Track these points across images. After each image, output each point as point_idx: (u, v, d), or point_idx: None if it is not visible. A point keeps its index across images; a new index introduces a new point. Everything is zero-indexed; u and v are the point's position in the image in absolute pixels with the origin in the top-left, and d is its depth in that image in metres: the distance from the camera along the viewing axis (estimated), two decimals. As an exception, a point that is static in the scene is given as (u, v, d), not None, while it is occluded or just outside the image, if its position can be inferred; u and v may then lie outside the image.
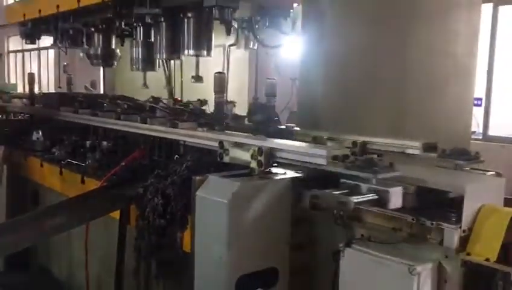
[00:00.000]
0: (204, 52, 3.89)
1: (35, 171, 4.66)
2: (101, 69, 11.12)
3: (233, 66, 7.46)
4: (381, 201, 2.18)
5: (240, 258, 2.54)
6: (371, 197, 2.20)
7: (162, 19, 3.92)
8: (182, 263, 2.87)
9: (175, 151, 3.61)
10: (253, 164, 2.63)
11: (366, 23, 3.99)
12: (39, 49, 18.44)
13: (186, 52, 3.90)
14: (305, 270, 2.77)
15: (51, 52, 16.82)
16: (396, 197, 2.19)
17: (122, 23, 4.34)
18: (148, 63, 4.37)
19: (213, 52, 4.24)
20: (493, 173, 2.73)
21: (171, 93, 6.06)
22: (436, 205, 2.26)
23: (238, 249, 2.53)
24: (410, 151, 3.05)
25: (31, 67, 18.96)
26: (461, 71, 4.18)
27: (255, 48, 5.39)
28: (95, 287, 3.99)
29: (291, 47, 7.01)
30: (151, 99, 4.41)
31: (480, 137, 8.19)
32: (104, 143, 4.30)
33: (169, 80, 5.83)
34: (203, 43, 3.84)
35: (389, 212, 2.34)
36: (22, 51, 20.39)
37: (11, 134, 5.18)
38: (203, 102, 4.59)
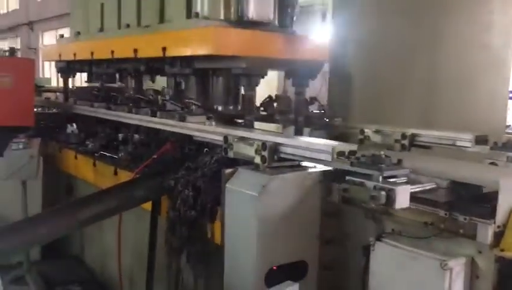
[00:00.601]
0: (231, 107, 3.89)
1: (70, 163, 4.77)
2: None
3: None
4: (389, 200, 2.04)
5: (269, 250, 2.56)
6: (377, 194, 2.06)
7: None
8: (212, 255, 2.91)
9: (207, 143, 3.64)
10: (257, 159, 2.61)
11: (398, 14, 3.93)
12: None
13: (215, 107, 3.92)
14: (335, 265, 2.77)
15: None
16: (403, 196, 2.05)
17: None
18: None
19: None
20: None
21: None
22: (469, 200, 2.23)
23: (268, 241, 2.55)
24: (460, 143, 2.98)
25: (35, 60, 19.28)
26: (495, 63, 4.08)
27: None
28: (127, 277, 4.08)
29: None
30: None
31: (515, 131, 7.97)
32: (136, 136, 4.37)
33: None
34: (230, 99, 3.83)
35: (421, 207, 2.32)
36: (56, 45, 20.82)
37: (47, 127, 5.30)
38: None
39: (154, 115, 3.80)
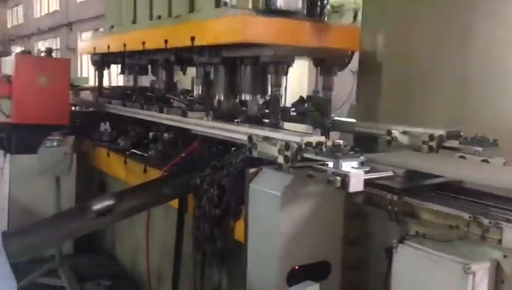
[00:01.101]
0: (259, 96, 3.90)
1: (102, 160, 4.90)
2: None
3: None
4: (343, 184, 2.28)
5: (291, 250, 2.57)
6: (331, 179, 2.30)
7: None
8: (236, 253, 2.94)
9: (233, 143, 3.68)
10: (280, 159, 2.62)
11: (429, 15, 3.88)
12: (109, 44, 19.27)
13: (243, 96, 3.95)
14: (358, 265, 2.75)
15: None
16: (356, 180, 2.27)
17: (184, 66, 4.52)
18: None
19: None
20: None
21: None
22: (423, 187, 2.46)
23: (290, 241, 2.56)
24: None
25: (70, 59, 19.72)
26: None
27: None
28: (155, 272, 4.16)
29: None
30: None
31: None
32: (166, 135, 4.46)
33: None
34: (257, 88, 3.85)
35: (445, 209, 2.29)
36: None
37: (81, 125, 5.46)
38: None
39: (184, 114, 3.86)
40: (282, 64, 3.34)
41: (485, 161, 2.73)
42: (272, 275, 2.58)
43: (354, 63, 6.31)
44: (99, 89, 5.97)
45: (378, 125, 3.53)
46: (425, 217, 2.42)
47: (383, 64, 3.91)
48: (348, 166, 2.34)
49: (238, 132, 3.18)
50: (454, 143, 3.01)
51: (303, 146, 2.54)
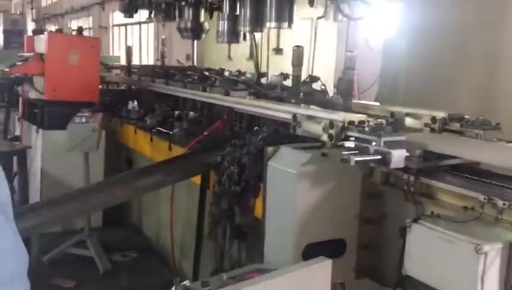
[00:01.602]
0: (285, 24, 3.95)
1: (130, 137, 5.04)
2: (194, 42, 11.58)
3: (322, 40, 7.40)
4: (385, 161, 2.33)
5: (307, 227, 2.62)
6: (373, 157, 2.35)
7: None
8: (255, 228, 3.02)
9: (255, 122, 3.74)
10: (324, 137, 2.68)
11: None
12: (140, 23, 19.42)
13: (268, 24, 3.99)
14: (374, 244, 2.79)
15: (151, 26, 17.65)
16: (398, 158, 2.32)
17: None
18: (233, 36, 4.52)
19: (301, 25, 4.28)
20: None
21: (256, 66, 6.20)
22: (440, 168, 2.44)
23: (307, 218, 2.61)
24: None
25: (132, 41, 20.03)
26: None
27: (344, 20, 5.30)
28: (178, 246, 4.29)
29: (382, 19, 6.82)
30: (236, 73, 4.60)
31: None
32: (191, 113, 4.55)
33: (255, 53, 5.95)
34: (284, 15, 3.90)
35: (461, 191, 2.30)
36: (125, 24, 21.60)
37: (110, 102, 5.60)
38: (286, 76, 4.68)
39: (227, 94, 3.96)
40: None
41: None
42: (288, 250, 2.64)
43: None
44: (128, 68, 6.10)
45: (382, 107, 3.52)
46: (440, 198, 2.44)
47: (409, 46, 3.87)
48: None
49: (281, 111, 3.22)
50: (456, 126, 3.01)
51: (346, 125, 2.60)
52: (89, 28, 22.46)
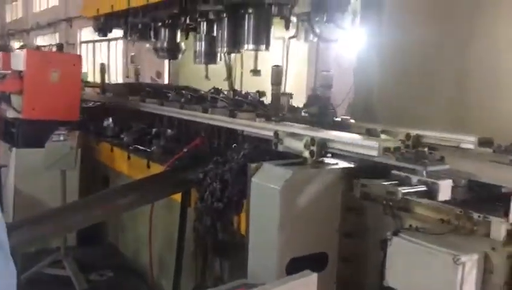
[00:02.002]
0: (263, 47, 4.05)
1: (106, 155, 5.01)
2: (166, 60, 11.58)
3: (293, 59, 7.56)
4: (431, 193, 2.26)
5: (290, 242, 2.68)
6: (419, 189, 2.30)
7: (224, 15, 4.11)
8: (237, 244, 3.06)
9: (233, 139, 3.81)
10: (306, 154, 2.76)
11: (428, 14, 3.97)
12: (109, 40, 19.33)
13: (246, 46, 4.07)
14: (354, 257, 2.87)
15: (120, 43, 17.59)
16: (445, 190, 2.26)
17: (187, 18, 4.59)
18: (211, 56, 4.59)
19: (273, 44, 4.39)
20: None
21: (231, 85, 6.29)
22: (486, 199, 2.32)
23: (290, 233, 2.68)
24: (464, 145, 3.05)
25: (101, 58, 19.87)
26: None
27: (315, 40, 5.46)
28: (156, 263, 4.28)
29: (352, 41, 7.03)
30: (212, 91, 4.65)
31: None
32: (168, 131, 4.58)
33: (230, 72, 6.04)
34: (262, 38, 4.00)
35: (437, 204, 2.41)
36: (93, 41, 21.44)
37: (85, 120, 5.56)
38: (261, 94, 4.77)
39: (205, 111, 3.99)
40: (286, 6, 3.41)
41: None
42: (272, 265, 2.69)
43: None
44: (102, 88, 6.09)
45: (357, 124, 3.65)
46: (418, 212, 2.54)
47: (381, 64, 4.01)
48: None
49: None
50: (488, 151, 2.95)
51: (381, 152, 2.50)
52: (56, 45, 22.20)
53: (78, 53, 21.18)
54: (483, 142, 2.96)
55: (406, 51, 4.00)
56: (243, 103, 4.09)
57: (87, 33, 21.83)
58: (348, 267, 2.87)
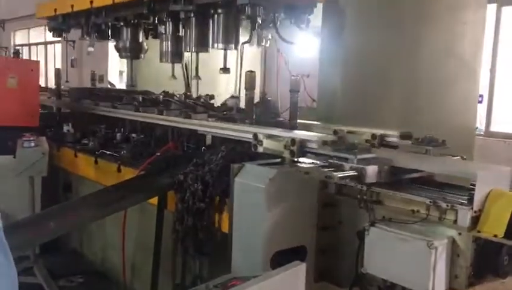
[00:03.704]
0: (232, 46, 4.19)
1: (69, 161, 4.97)
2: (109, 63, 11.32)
3: (246, 62, 7.75)
4: (360, 177, 2.61)
5: (274, 236, 2.86)
6: (351, 173, 2.63)
7: (193, 14, 4.21)
8: (218, 243, 3.20)
9: (203, 142, 3.94)
10: (286, 154, 2.95)
11: (380, 23, 4.28)
12: (46, 43, 18.70)
13: (215, 45, 4.20)
14: (330, 249, 3.10)
15: (58, 46, 17.06)
16: (371, 173, 2.62)
17: (156, 18, 4.64)
18: (176, 56, 4.67)
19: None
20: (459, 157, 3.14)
21: (187, 86, 6.40)
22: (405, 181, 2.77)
23: (273, 229, 2.86)
24: (389, 139, 3.41)
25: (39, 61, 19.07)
26: (467, 71, 4.52)
27: (267, 45, 5.67)
28: (129, 266, 4.31)
29: (304, 44, 7.33)
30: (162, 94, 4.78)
31: (482, 133, 8.52)
32: (134, 135, 4.63)
33: (187, 74, 6.15)
34: (231, 38, 4.14)
35: (409, 196, 2.67)
36: (29, 44, 20.63)
37: (43, 126, 5.46)
38: (211, 97, 4.95)
39: (161, 113, 4.09)
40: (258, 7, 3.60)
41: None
42: (258, 259, 2.86)
43: (304, 67, 6.72)
44: (57, 93, 5.99)
45: (325, 126, 3.90)
46: (390, 204, 2.80)
47: (342, 68, 4.28)
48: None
49: (243, 131, 3.44)
50: (407, 143, 3.32)
51: (321, 144, 2.89)
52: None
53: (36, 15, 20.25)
54: (404, 136, 3.35)
55: (363, 57, 4.28)
56: (195, 106, 4.26)
57: (23, 36, 21.00)
58: (324, 259, 3.09)
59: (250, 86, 3.56)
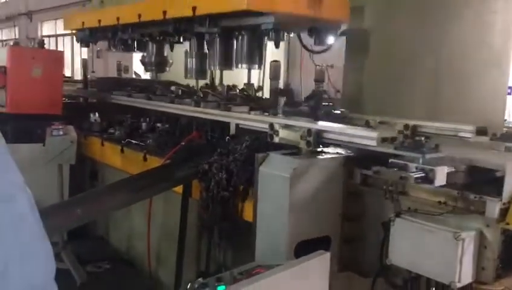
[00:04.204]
0: (256, 66, 4.18)
1: (95, 150, 5.05)
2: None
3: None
4: (428, 179, 2.45)
5: (298, 226, 2.87)
6: (418, 175, 2.49)
7: (217, 35, 4.22)
8: (243, 232, 3.22)
9: (227, 132, 3.96)
10: (302, 144, 2.93)
11: (408, 13, 4.23)
12: (72, 34, 18.97)
13: (239, 66, 4.21)
14: (354, 239, 3.09)
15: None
16: (441, 175, 2.46)
17: (181, 38, 4.70)
18: (201, 73, 4.69)
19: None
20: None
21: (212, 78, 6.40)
22: (482, 182, 2.55)
23: (297, 218, 2.86)
24: (462, 134, 3.31)
25: (64, 52, 19.38)
26: (496, 61, 4.42)
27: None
28: (154, 255, 4.38)
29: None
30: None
31: (511, 125, 8.31)
32: (159, 125, 4.68)
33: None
34: (255, 58, 4.13)
35: (436, 188, 2.64)
36: (56, 36, 20.98)
37: (68, 116, 5.56)
38: (233, 86, 4.93)
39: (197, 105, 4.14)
40: (282, 33, 3.57)
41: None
42: (281, 249, 2.87)
43: (326, 58, 6.66)
44: (84, 84, 6.09)
45: (356, 116, 3.88)
46: (416, 195, 2.77)
47: (368, 61, 4.24)
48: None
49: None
50: (484, 139, 3.19)
51: (379, 141, 2.69)
52: (15, 39, 21.53)
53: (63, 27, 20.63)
54: (480, 132, 3.21)
55: (390, 47, 4.24)
56: (236, 97, 4.24)
57: (49, 27, 21.36)
58: (349, 249, 3.08)
59: (274, 75, 3.55)
